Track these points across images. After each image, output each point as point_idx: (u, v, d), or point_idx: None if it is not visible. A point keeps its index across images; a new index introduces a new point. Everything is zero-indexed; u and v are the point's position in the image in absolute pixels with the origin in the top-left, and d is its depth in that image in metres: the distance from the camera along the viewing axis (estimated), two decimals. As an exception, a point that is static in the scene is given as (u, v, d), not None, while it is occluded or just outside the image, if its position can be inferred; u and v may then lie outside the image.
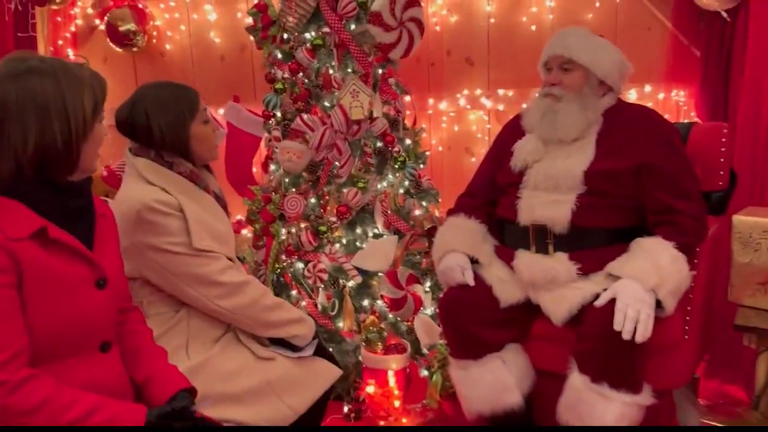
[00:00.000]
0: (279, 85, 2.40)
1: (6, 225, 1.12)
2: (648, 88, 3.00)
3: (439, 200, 2.55)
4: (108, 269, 1.24)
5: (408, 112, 2.60)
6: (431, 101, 3.15)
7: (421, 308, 2.36)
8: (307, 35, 2.36)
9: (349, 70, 2.36)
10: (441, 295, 2.42)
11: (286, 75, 2.41)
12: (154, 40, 3.30)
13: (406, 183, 2.48)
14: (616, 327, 1.65)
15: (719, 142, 2.08)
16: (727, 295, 2.02)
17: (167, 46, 3.32)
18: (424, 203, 2.47)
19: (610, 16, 2.97)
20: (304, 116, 2.30)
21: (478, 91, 3.13)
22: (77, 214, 1.22)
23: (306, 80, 2.40)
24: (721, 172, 2.07)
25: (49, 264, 1.14)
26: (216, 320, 1.62)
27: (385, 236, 2.39)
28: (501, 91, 3.11)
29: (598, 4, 2.97)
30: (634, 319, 1.65)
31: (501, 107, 3.13)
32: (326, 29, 2.34)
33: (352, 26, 2.35)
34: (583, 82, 1.96)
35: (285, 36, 2.42)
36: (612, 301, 1.71)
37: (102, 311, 1.22)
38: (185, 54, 3.32)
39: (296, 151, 2.28)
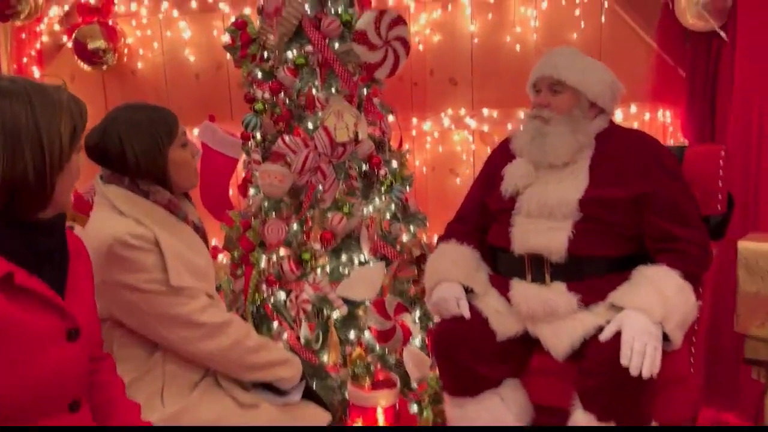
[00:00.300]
0: (259, 105, 2.28)
1: None
2: (633, 108, 2.97)
3: (427, 224, 2.45)
4: (81, 317, 1.10)
5: (393, 133, 2.50)
6: (414, 121, 3.07)
7: (410, 339, 2.24)
8: (289, 54, 2.26)
9: (333, 89, 2.26)
10: (432, 326, 2.33)
11: (267, 95, 2.29)
12: (125, 58, 3.16)
13: (392, 207, 2.38)
14: (623, 361, 1.56)
15: (717, 165, 2.02)
16: (725, 323, 1.96)
17: (139, 65, 3.18)
18: (411, 228, 2.37)
19: (595, 36, 2.95)
20: (286, 138, 2.18)
21: (462, 111, 3.06)
22: (48, 255, 1.08)
23: (287, 100, 2.28)
24: (720, 196, 2.01)
25: (14, 315, 0.99)
26: (193, 363, 1.49)
27: (371, 263, 2.28)
28: (485, 111, 3.05)
29: (582, 24, 2.94)
30: (641, 352, 1.56)
31: (485, 127, 3.07)
32: (309, 48, 2.24)
33: (336, 45, 2.25)
34: (573, 103, 1.89)
35: (265, 54, 2.31)
36: (616, 335, 1.63)
37: (73, 366, 1.08)
38: (158, 72, 3.19)
39: (278, 175, 2.16)
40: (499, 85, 3.03)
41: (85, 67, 3.08)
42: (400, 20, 2.29)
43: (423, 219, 2.41)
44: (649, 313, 1.61)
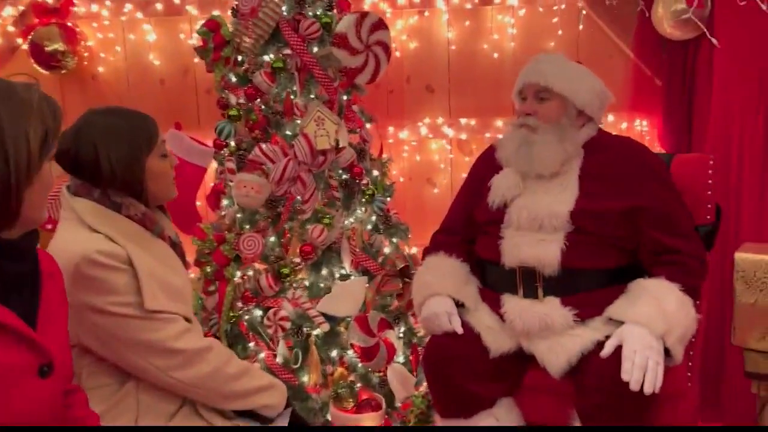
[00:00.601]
0: (233, 112, 2.16)
1: None
2: (611, 117, 2.95)
3: (409, 236, 2.36)
4: (55, 349, 0.96)
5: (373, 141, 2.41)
6: (391, 129, 2.99)
7: (394, 356, 2.14)
8: (266, 57, 2.14)
9: (312, 95, 2.15)
10: (416, 342, 2.24)
11: (242, 100, 2.17)
12: (86, 62, 2.99)
13: (373, 218, 2.28)
14: (624, 376, 1.50)
15: (705, 174, 1.99)
16: (714, 334, 1.92)
17: (100, 69, 3.02)
18: (394, 240, 2.27)
19: (572, 45, 2.92)
20: (264, 146, 2.06)
21: (440, 120, 3.00)
22: (17, 281, 0.94)
23: (263, 106, 2.17)
24: (709, 206, 1.98)
25: None
26: (170, 392, 1.35)
27: (352, 277, 2.17)
28: (463, 120, 2.99)
29: (560, 32, 2.91)
30: (642, 367, 1.50)
31: (463, 136, 3.01)
32: (286, 51, 2.13)
33: (315, 49, 2.15)
34: (561, 112, 1.83)
35: (239, 58, 2.19)
36: (616, 351, 1.56)
37: (45, 405, 0.94)
38: (120, 77, 3.03)
39: (254, 185, 2.04)
40: (476, 93, 2.98)
41: (42, 71, 2.89)
42: (381, 24, 2.21)
43: (405, 230, 2.31)
44: (650, 327, 1.56)
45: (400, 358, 2.20)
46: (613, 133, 2.02)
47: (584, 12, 2.89)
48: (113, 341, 1.27)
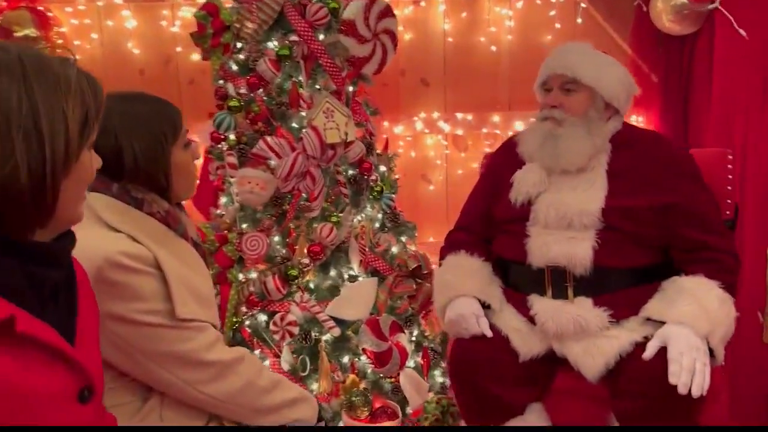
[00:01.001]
0: (234, 103, 2.01)
1: None
2: (607, 113, 2.91)
3: (416, 234, 2.26)
4: (94, 369, 0.82)
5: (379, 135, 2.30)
6: (386, 124, 2.88)
7: (406, 361, 2.03)
8: (270, 44, 2.00)
9: (318, 86, 2.03)
10: (426, 345, 2.14)
11: (243, 90, 2.02)
12: (59, 50, 2.77)
13: (379, 216, 2.17)
14: (672, 379, 1.43)
15: (725, 169, 1.95)
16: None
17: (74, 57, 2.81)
18: (403, 239, 2.17)
19: (569, 39, 2.87)
20: (269, 139, 1.92)
21: (436, 114, 2.90)
22: (53, 291, 0.80)
23: (266, 97, 2.03)
24: (728, 201, 1.95)
25: (12, 373, 0.71)
26: (196, 408, 1.22)
27: (361, 278, 2.05)
28: (459, 115, 2.90)
29: (558, 25, 2.86)
30: (690, 369, 1.44)
31: (460, 131, 2.93)
32: (291, 38, 2.00)
33: (321, 36, 2.02)
34: (588, 104, 1.75)
35: (239, 45, 2.04)
36: (657, 352, 1.50)
37: None
38: (96, 66, 2.82)
39: (259, 181, 1.90)
40: (473, 87, 2.90)
41: (11, 58, 2.67)
42: (389, 11, 2.10)
43: (413, 229, 2.21)
44: (694, 327, 1.49)
45: (410, 363, 2.10)
46: (640, 127, 1.96)
47: (582, 5, 2.85)
48: (136, 353, 1.13)
